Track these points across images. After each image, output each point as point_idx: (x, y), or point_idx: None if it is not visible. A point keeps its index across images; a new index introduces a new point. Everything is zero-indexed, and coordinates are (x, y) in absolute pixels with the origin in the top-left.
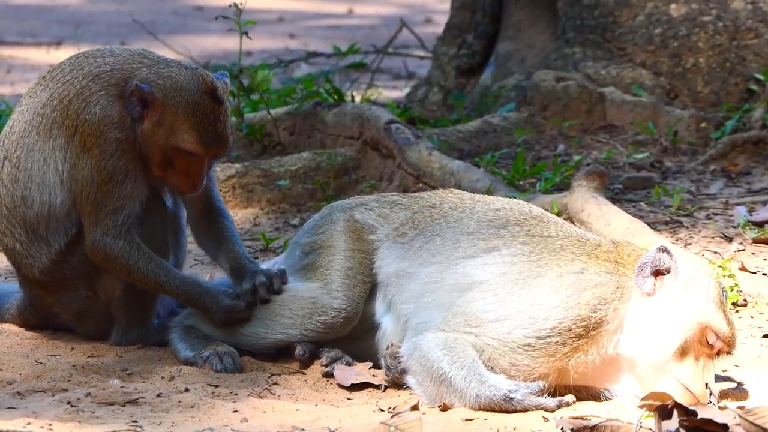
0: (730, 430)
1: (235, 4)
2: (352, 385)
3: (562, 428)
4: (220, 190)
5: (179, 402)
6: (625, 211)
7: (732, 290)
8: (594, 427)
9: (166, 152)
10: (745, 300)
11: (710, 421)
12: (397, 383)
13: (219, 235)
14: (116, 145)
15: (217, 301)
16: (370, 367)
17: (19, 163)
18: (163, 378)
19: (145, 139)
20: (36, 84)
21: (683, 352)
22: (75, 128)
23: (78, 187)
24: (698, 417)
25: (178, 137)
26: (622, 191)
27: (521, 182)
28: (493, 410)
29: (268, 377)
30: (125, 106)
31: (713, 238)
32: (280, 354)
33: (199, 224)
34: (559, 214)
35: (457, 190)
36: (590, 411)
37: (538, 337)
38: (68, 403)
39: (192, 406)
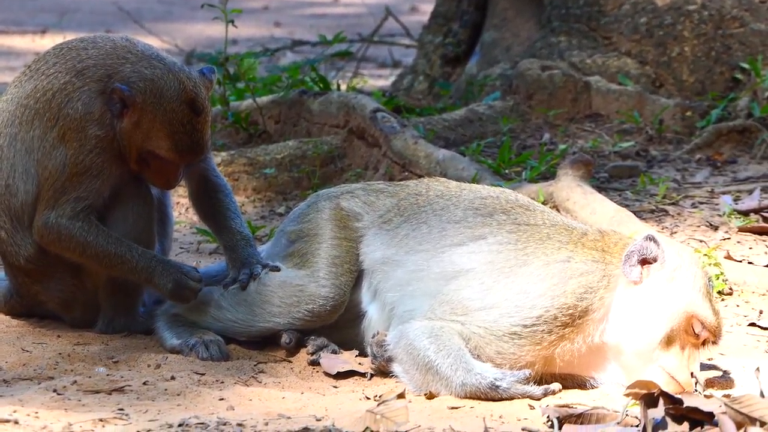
0: (715, 418)
1: None
2: (338, 373)
3: (548, 416)
4: None
5: (165, 390)
6: (611, 199)
7: (718, 279)
8: (580, 415)
9: (141, 153)
10: (730, 288)
11: (696, 410)
12: (383, 371)
13: (216, 211)
14: (95, 141)
15: (172, 275)
16: (356, 356)
17: (2, 152)
18: (149, 366)
19: (123, 137)
20: (21, 74)
21: (669, 340)
22: (55, 120)
23: (45, 174)
24: (684, 405)
25: (153, 142)
26: (608, 180)
27: (507, 171)
28: (479, 398)
29: (255, 365)
30: (106, 103)
31: (699, 226)
32: (266, 342)
33: (198, 200)
34: (544, 203)
35: (443, 179)
36: (576, 399)
37: (525, 326)
38: (54, 390)
39: (178, 394)
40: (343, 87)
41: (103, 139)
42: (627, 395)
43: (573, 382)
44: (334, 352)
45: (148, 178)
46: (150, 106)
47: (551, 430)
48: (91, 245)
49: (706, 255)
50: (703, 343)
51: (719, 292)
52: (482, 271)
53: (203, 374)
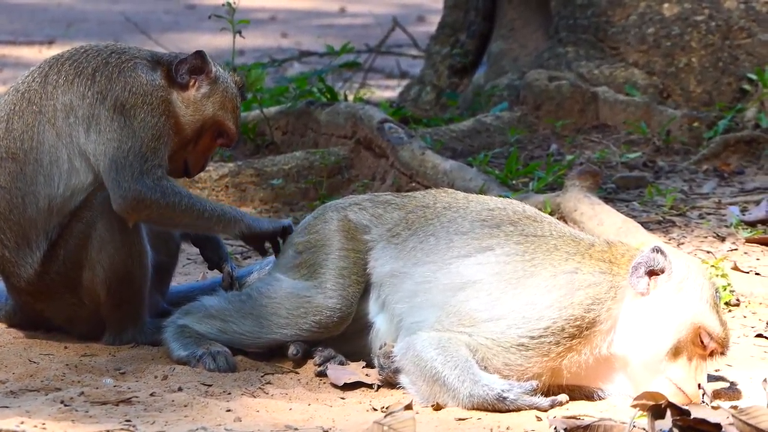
0: (723, 429)
1: (228, 3)
2: (346, 384)
3: (555, 428)
4: (213, 189)
5: (172, 401)
6: (618, 210)
7: (725, 290)
8: (587, 426)
9: (204, 125)
10: (737, 300)
11: (703, 421)
12: (390, 383)
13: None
14: (164, 106)
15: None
16: (364, 367)
17: (26, 156)
18: (156, 377)
19: (188, 105)
20: (29, 80)
21: (676, 352)
22: (107, 91)
23: (114, 144)
24: (691, 416)
25: (223, 114)
26: (615, 191)
27: (514, 182)
28: (486, 410)
29: (262, 376)
30: (174, 71)
31: (706, 237)
32: (273, 353)
33: None
34: (552, 214)
35: (450, 190)
36: (583, 410)
37: (532, 337)
38: (61, 402)
39: (185, 406)
40: (351, 98)
41: (169, 106)
42: (634, 406)
43: (580, 393)
44: (341, 363)
45: (178, 162)
46: (220, 78)
47: None
48: (191, 203)
49: (713, 266)
50: (711, 355)
51: (726, 303)
52: (490, 282)
53: (210, 385)
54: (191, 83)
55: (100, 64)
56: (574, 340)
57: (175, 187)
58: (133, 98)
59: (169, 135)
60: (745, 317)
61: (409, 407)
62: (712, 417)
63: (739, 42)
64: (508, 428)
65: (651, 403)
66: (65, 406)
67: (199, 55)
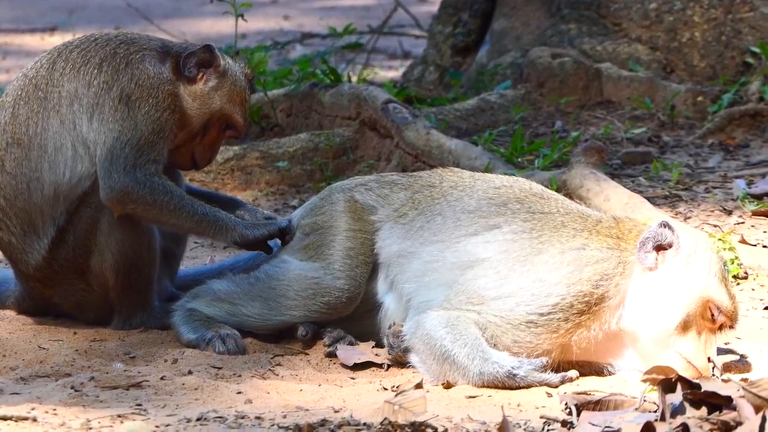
0: (734, 402)
1: None
2: (355, 364)
3: (566, 404)
4: (219, 173)
5: (183, 384)
6: (624, 186)
7: (732, 263)
8: (598, 401)
9: (212, 117)
10: (745, 273)
11: (714, 394)
12: (400, 362)
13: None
14: (170, 100)
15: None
16: (373, 347)
17: (31, 142)
18: (166, 361)
19: (195, 99)
20: (37, 67)
21: (685, 326)
22: (113, 82)
23: (114, 134)
24: (702, 390)
25: (230, 107)
26: (621, 166)
27: (519, 159)
28: (496, 387)
29: (271, 358)
30: (182, 65)
31: (712, 211)
32: (282, 335)
33: None
34: (558, 191)
35: (456, 169)
36: (594, 386)
37: (541, 314)
38: (72, 387)
39: (196, 389)
40: (354, 79)
41: (176, 99)
42: (644, 381)
43: (590, 369)
44: (350, 343)
45: (185, 154)
46: (230, 71)
47: (569, 417)
48: (178, 202)
49: (720, 240)
50: (720, 328)
51: (734, 277)
52: (497, 260)
53: (220, 368)
54: (199, 76)
55: (108, 54)
56: (583, 316)
57: (167, 185)
58: (138, 91)
59: (172, 130)
60: (753, 290)
61: (419, 386)
62: (723, 390)
63: (742, 15)
64: (518, 405)
65: (661, 377)
66: (76, 391)
67: (208, 48)
